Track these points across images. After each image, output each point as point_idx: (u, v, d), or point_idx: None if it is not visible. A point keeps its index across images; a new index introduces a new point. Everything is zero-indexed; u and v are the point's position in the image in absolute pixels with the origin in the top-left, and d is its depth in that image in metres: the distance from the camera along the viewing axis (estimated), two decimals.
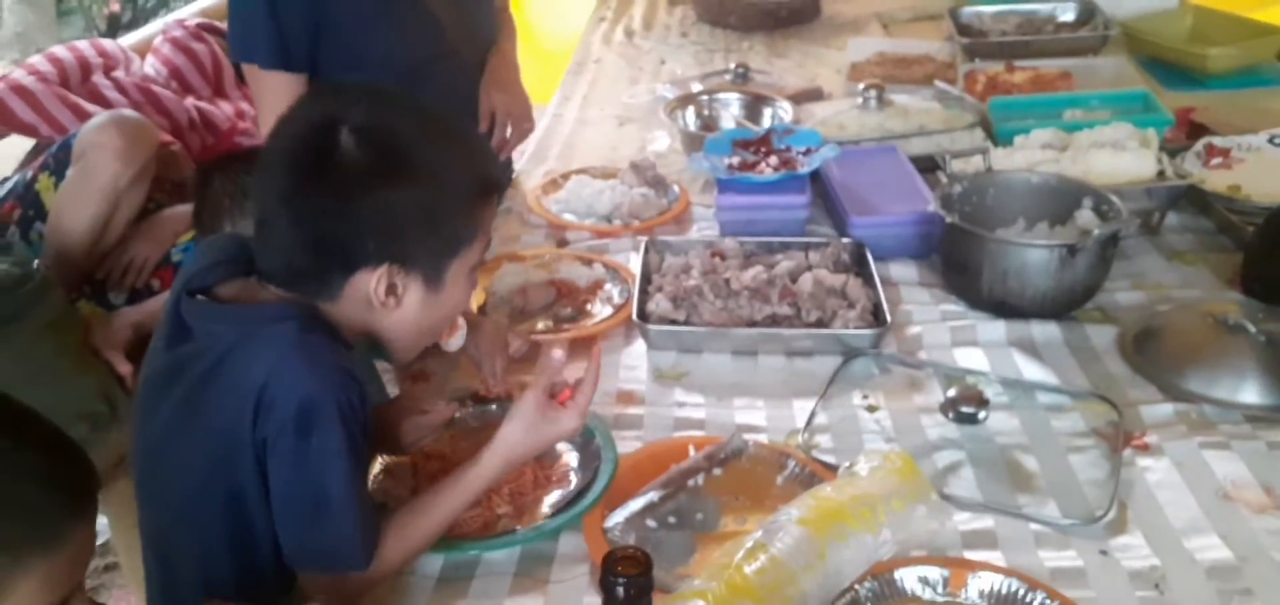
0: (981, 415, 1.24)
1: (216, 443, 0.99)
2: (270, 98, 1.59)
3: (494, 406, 1.29)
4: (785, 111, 2.08)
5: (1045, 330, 1.44)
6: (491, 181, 1.12)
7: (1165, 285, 1.55)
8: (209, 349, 1.01)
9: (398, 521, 1.05)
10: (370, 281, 1.01)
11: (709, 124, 2.15)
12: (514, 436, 1.07)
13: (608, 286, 1.58)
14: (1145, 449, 1.21)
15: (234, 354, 0.99)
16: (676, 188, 1.87)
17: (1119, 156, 1.64)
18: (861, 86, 1.98)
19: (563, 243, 1.75)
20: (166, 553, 1.10)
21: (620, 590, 0.77)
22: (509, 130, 1.77)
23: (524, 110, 1.81)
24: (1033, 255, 1.43)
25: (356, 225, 1.00)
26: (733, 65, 2.39)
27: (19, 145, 2.21)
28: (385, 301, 1.03)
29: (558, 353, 1.08)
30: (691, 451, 1.20)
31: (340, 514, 0.98)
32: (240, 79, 2.43)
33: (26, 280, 1.76)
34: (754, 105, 2.17)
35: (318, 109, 1.04)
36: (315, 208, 1.00)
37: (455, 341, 1.24)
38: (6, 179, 2.11)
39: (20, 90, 2.08)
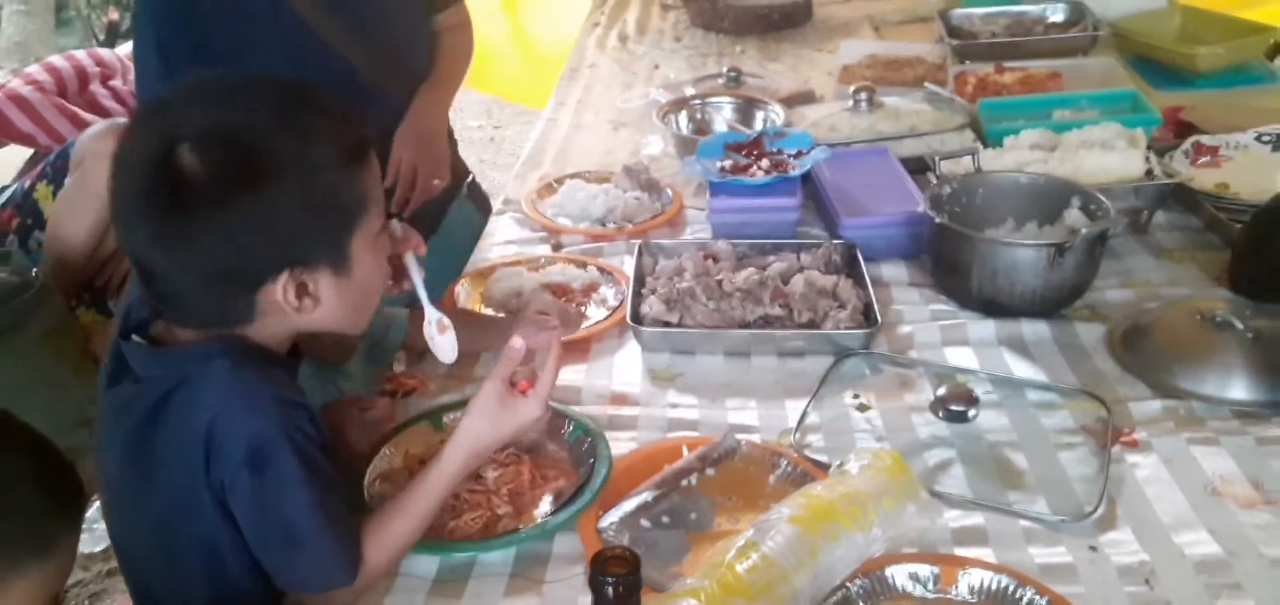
0: (971, 413, 1.25)
1: (174, 490, 0.98)
2: None
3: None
4: (777, 115, 2.09)
5: (1035, 329, 1.45)
6: (363, 142, 1.02)
7: (1154, 283, 1.56)
8: (148, 391, 0.98)
9: (375, 527, 1.04)
10: (276, 292, 0.97)
11: (701, 128, 2.16)
12: (476, 427, 1.06)
13: (603, 289, 1.59)
14: (1134, 445, 1.22)
15: (174, 398, 0.96)
16: (670, 191, 1.89)
17: (1107, 156, 1.65)
18: (852, 89, 1.99)
19: (557, 246, 1.76)
20: (143, 578, 1.08)
21: (609, 590, 0.78)
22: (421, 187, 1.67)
23: (434, 165, 1.70)
24: (1021, 254, 1.44)
25: (239, 244, 0.94)
26: (725, 69, 2.41)
27: (17, 154, 2.22)
28: (300, 304, 0.98)
29: (518, 341, 1.07)
30: (685, 452, 1.21)
31: (313, 541, 0.97)
32: None
33: (25, 288, 1.77)
34: (746, 108, 2.19)
35: (148, 133, 0.95)
36: (188, 241, 0.93)
37: (447, 349, 1.18)
38: (4, 188, 2.13)
39: (18, 100, 2.10)
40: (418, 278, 1.13)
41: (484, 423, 1.06)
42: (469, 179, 1.98)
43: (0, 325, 1.75)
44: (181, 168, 0.92)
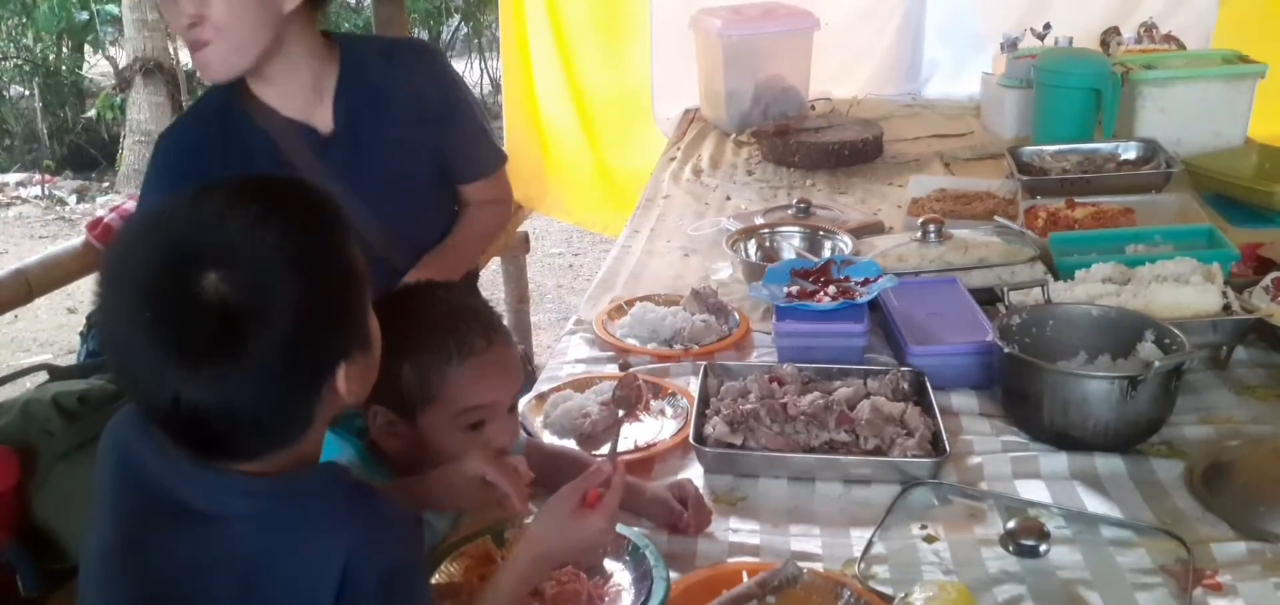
0: (1043, 549, 1.22)
1: None
2: None
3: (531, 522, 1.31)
4: (845, 244, 2.12)
5: (1109, 463, 1.41)
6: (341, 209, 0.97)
7: (1236, 420, 1.51)
8: (233, 529, 0.89)
9: None
10: (338, 384, 0.92)
11: (770, 256, 2.20)
12: (545, 533, 1.08)
13: (663, 406, 1.62)
14: (1217, 589, 1.17)
15: (285, 535, 0.89)
16: (737, 315, 1.92)
17: (1182, 290, 1.63)
18: (921, 221, 2.01)
19: (625, 366, 1.79)
20: None
21: None
22: None
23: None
24: (1093, 386, 1.42)
25: (302, 352, 0.88)
26: (795, 201, 2.46)
27: None
28: (349, 393, 0.93)
29: (604, 463, 1.10)
30: (745, 577, 1.20)
31: None
32: None
33: (120, 396, 1.87)
34: (814, 238, 2.23)
35: (153, 269, 0.86)
36: (249, 371, 0.85)
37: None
38: None
39: (128, 218, 2.26)
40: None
41: (552, 529, 1.09)
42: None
43: (95, 433, 1.84)
44: (223, 298, 0.84)
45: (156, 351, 0.85)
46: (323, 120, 1.58)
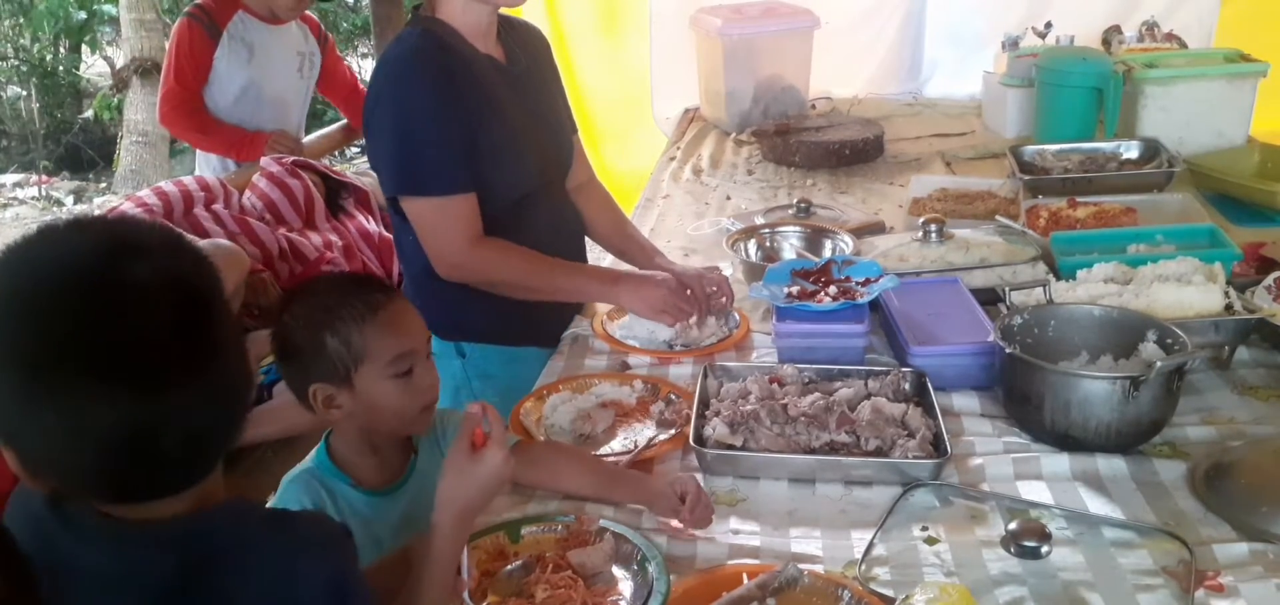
0: (1045, 550, 1.22)
1: None
2: (448, 219, 1.73)
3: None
4: (846, 244, 2.12)
5: (1111, 464, 1.41)
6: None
7: (1238, 421, 1.51)
8: (136, 583, 0.82)
9: None
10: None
11: (771, 256, 2.19)
12: (452, 490, 1.10)
13: (655, 406, 1.61)
14: (1219, 590, 1.16)
15: (204, 585, 0.83)
16: (737, 315, 1.91)
17: (1184, 290, 1.62)
18: (922, 220, 2.01)
19: (625, 366, 1.79)
20: None
21: None
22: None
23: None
24: (1095, 387, 1.41)
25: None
26: (795, 200, 2.45)
27: None
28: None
29: (474, 407, 1.13)
30: (745, 580, 1.19)
31: None
32: (332, 214, 2.58)
33: None
34: (815, 238, 2.22)
35: (101, 255, 0.79)
36: (222, 367, 0.82)
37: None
38: None
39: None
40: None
41: (455, 482, 1.11)
42: None
43: None
44: (180, 280, 0.81)
45: (106, 361, 0.75)
46: (499, 53, 1.82)
